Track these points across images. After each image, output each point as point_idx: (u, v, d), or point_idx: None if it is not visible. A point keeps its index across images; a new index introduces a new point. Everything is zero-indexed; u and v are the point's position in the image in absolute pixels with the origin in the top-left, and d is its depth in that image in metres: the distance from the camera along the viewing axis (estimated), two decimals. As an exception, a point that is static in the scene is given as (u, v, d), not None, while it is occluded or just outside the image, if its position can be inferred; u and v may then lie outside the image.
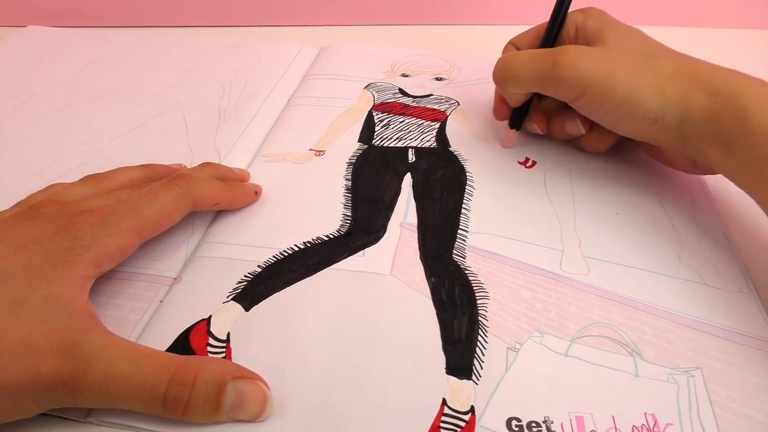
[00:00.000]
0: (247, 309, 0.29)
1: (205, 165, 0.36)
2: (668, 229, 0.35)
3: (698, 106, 0.32)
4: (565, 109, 0.38)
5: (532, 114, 0.40)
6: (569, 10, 0.38)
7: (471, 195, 0.37)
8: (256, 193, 0.36)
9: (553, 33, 0.38)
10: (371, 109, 0.46)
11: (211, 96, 0.48)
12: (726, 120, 0.31)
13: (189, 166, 0.37)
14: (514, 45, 0.41)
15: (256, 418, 0.24)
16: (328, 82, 0.50)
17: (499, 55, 0.39)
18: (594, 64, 0.33)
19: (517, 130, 0.41)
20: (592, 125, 0.38)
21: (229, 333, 0.28)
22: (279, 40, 0.58)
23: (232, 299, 0.30)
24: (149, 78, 0.51)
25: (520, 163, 0.41)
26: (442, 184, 0.38)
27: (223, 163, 0.39)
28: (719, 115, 0.31)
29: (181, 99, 0.48)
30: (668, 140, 0.34)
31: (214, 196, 0.33)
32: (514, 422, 0.25)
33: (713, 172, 0.34)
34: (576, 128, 0.39)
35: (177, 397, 0.23)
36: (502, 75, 0.37)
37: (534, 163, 0.41)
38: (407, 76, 0.51)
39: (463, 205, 0.36)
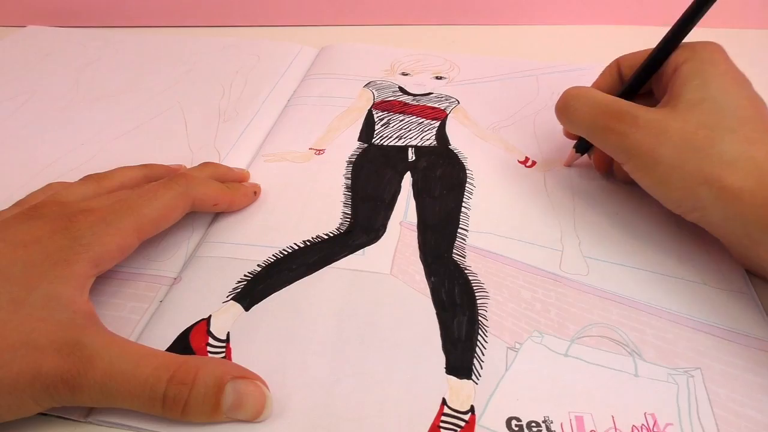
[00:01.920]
0: (246, 308, 0.29)
1: (205, 165, 0.36)
2: (668, 229, 0.35)
3: (749, 211, 0.27)
4: None
5: (594, 152, 0.38)
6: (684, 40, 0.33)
7: (471, 194, 0.37)
8: (255, 192, 0.36)
9: (642, 78, 0.34)
10: (371, 108, 0.46)
11: (211, 96, 0.48)
12: None
13: (189, 166, 0.37)
14: (618, 66, 0.37)
15: (255, 418, 0.24)
16: (328, 81, 0.50)
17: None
18: (641, 136, 0.30)
19: (580, 154, 0.39)
20: None
21: (228, 333, 0.28)
22: (279, 39, 0.58)
23: (231, 299, 0.30)
24: (149, 78, 0.51)
25: (520, 162, 0.41)
26: (442, 182, 0.38)
27: (223, 163, 0.39)
28: None
29: (181, 99, 0.48)
30: (716, 233, 0.31)
31: (214, 197, 0.33)
32: (513, 422, 0.25)
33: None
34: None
35: (176, 396, 0.23)
36: (560, 111, 0.35)
37: (534, 162, 0.41)
38: (407, 74, 0.51)
39: (463, 204, 0.36)
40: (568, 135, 0.38)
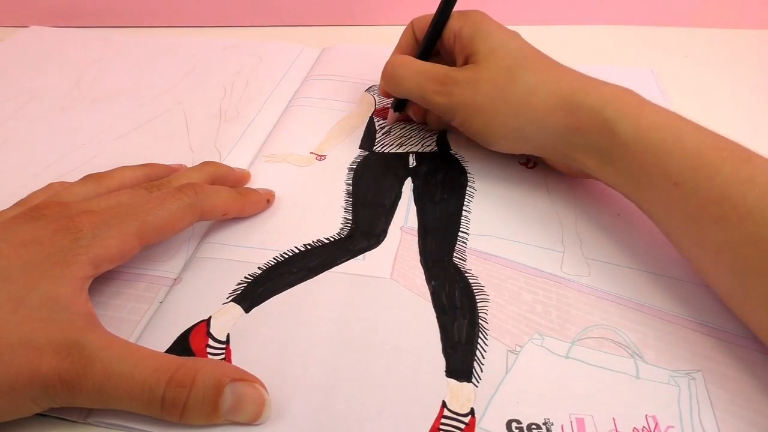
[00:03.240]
0: (247, 310, 0.29)
1: (205, 164, 0.36)
2: (670, 231, 0.35)
3: (559, 124, 0.33)
4: None
5: (411, 106, 0.42)
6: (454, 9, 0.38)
7: (472, 197, 0.37)
8: (268, 201, 0.36)
9: (430, 43, 0.39)
10: (372, 114, 0.45)
11: (213, 96, 0.48)
12: (595, 133, 0.31)
13: (190, 167, 0.37)
14: (413, 29, 0.41)
15: (253, 420, 0.24)
16: (330, 83, 0.50)
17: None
18: (462, 91, 0.35)
19: (399, 113, 0.43)
20: None
21: (228, 334, 0.28)
22: (280, 40, 0.58)
23: (232, 300, 0.30)
24: (151, 78, 0.51)
25: (521, 164, 0.41)
26: (443, 187, 0.38)
27: (224, 163, 0.39)
28: (587, 129, 0.31)
29: (182, 99, 0.48)
30: (544, 153, 0.36)
31: (224, 207, 0.32)
32: (514, 424, 0.25)
33: (597, 179, 0.34)
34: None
35: (175, 398, 0.23)
36: (388, 82, 0.39)
37: (535, 164, 0.40)
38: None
39: (464, 208, 0.36)
40: (386, 95, 0.42)
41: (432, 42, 0.39)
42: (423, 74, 0.37)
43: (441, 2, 0.37)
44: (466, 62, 0.36)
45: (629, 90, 0.32)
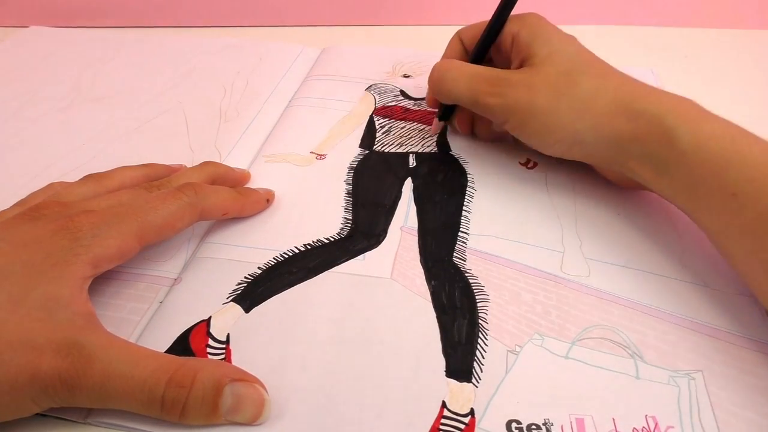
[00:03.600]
0: (247, 310, 0.29)
1: (205, 164, 0.36)
2: (670, 231, 0.35)
3: (619, 130, 0.32)
4: None
5: (458, 117, 0.42)
6: (511, 13, 0.37)
7: (472, 197, 0.37)
8: (268, 200, 0.36)
9: (486, 47, 0.38)
10: (372, 114, 0.45)
11: (213, 96, 0.48)
12: (654, 141, 0.31)
13: (190, 167, 0.37)
14: (460, 39, 0.41)
15: (253, 421, 0.24)
16: (330, 83, 0.50)
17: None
18: (517, 93, 0.34)
19: (444, 122, 0.42)
20: None
21: (228, 334, 0.28)
22: (280, 40, 0.58)
23: (232, 300, 0.30)
24: (150, 78, 0.51)
25: (521, 164, 0.41)
26: (443, 187, 0.38)
27: (224, 163, 0.39)
28: (646, 137, 0.31)
29: (182, 99, 0.48)
30: (595, 160, 0.35)
31: (223, 207, 0.32)
32: (514, 425, 0.25)
33: (650, 190, 0.34)
34: (500, 130, 0.40)
35: (175, 398, 0.23)
36: (436, 87, 0.38)
37: (535, 164, 0.40)
38: (409, 76, 0.51)
39: (464, 208, 0.36)
40: (433, 104, 0.42)
41: (487, 45, 0.38)
42: (475, 77, 0.36)
43: (499, 5, 0.37)
44: (521, 66, 0.36)
45: (690, 99, 0.32)
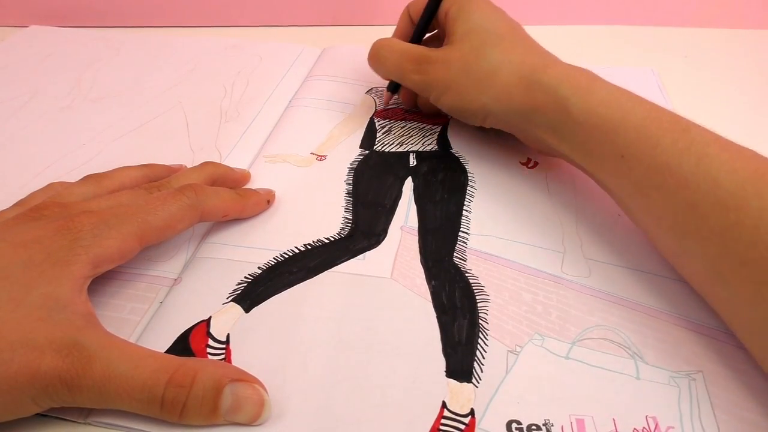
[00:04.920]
0: (247, 310, 0.29)
1: (205, 164, 0.36)
2: (670, 231, 0.35)
3: (520, 101, 0.34)
4: None
5: (401, 90, 0.44)
6: None
7: (472, 196, 0.37)
8: (269, 201, 0.36)
9: (423, 25, 0.41)
10: (372, 115, 0.45)
11: (213, 96, 0.48)
12: (551, 111, 0.33)
13: (190, 167, 0.37)
14: (408, 14, 0.43)
15: (253, 421, 0.24)
16: (330, 83, 0.50)
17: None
18: (435, 70, 0.37)
19: (391, 93, 0.45)
20: None
21: (228, 334, 0.28)
22: (281, 40, 0.58)
23: (232, 300, 0.30)
24: (151, 78, 0.51)
25: (522, 163, 0.40)
26: (443, 186, 0.38)
27: (224, 164, 0.39)
28: (543, 107, 0.33)
29: (182, 99, 0.48)
30: (508, 129, 0.38)
31: (224, 208, 0.33)
32: (514, 425, 0.25)
33: (559, 155, 0.36)
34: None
35: (174, 398, 0.23)
36: (372, 62, 0.42)
37: (536, 163, 0.40)
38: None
39: (464, 207, 0.36)
40: (384, 77, 0.44)
41: (424, 24, 0.41)
42: (402, 54, 0.40)
43: None
44: (447, 42, 0.38)
45: (584, 69, 0.34)
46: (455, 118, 0.40)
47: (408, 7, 0.43)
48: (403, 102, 0.45)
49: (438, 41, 0.43)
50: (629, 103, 0.31)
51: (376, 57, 0.41)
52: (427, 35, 0.43)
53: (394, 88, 0.44)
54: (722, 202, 0.26)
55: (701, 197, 0.27)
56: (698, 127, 0.29)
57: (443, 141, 0.42)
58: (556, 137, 0.34)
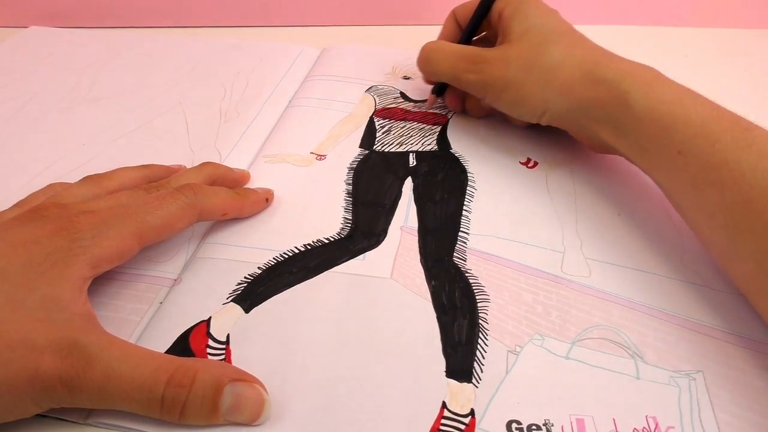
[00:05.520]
0: (247, 311, 0.29)
1: (205, 165, 0.36)
2: (670, 231, 0.35)
3: (581, 96, 0.35)
4: None
5: (448, 95, 0.45)
6: None
7: (472, 196, 0.37)
8: (267, 200, 0.36)
9: (474, 26, 0.42)
10: (372, 115, 0.45)
11: (213, 97, 0.48)
12: (612, 105, 0.34)
13: (189, 167, 0.37)
14: (455, 17, 0.44)
15: (253, 421, 0.24)
16: (330, 83, 0.50)
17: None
18: (493, 69, 0.38)
19: (436, 96, 0.45)
20: None
21: (228, 334, 0.28)
22: (281, 40, 0.58)
23: (231, 301, 0.30)
24: (151, 79, 0.51)
25: (522, 163, 0.41)
26: (443, 186, 0.38)
27: (223, 164, 0.39)
28: (605, 102, 0.34)
29: (182, 100, 0.48)
30: (565, 125, 0.38)
31: (222, 207, 0.33)
32: (514, 425, 0.25)
33: (615, 151, 0.37)
34: (488, 107, 0.42)
35: (174, 398, 0.23)
36: (423, 66, 0.42)
37: (536, 163, 0.40)
38: (409, 78, 0.51)
39: (464, 207, 0.36)
40: (428, 81, 0.45)
41: (475, 25, 0.42)
42: (455, 55, 0.40)
43: None
44: (502, 42, 0.39)
45: (647, 66, 0.34)
46: (511, 116, 0.40)
47: (454, 11, 0.44)
48: (450, 105, 0.45)
49: (485, 43, 0.44)
50: (690, 100, 0.32)
51: (428, 59, 0.41)
52: (475, 38, 0.43)
53: (439, 90, 0.44)
54: None
55: (758, 194, 0.27)
56: (760, 127, 0.30)
57: (443, 141, 0.42)
58: (615, 133, 0.34)
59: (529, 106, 0.37)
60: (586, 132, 0.37)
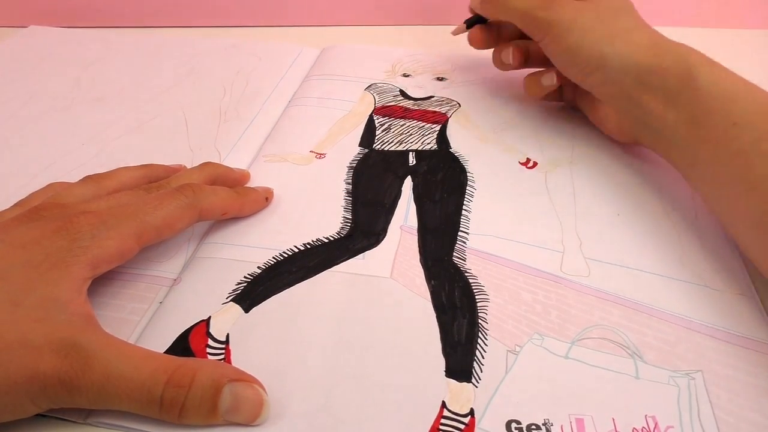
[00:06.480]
0: (246, 310, 0.29)
1: (205, 165, 0.36)
2: (670, 231, 0.35)
3: (645, 61, 0.36)
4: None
5: (513, 46, 0.44)
6: None
7: (471, 196, 0.37)
8: (267, 199, 0.36)
9: None
10: (372, 113, 0.45)
11: (212, 96, 0.48)
12: (672, 74, 0.34)
13: (189, 167, 0.37)
14: None
15: (252, 421, 0.24)
16: (329, 82, 0.50)
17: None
18: (565, 10, 0.38)
19: (468, 28, 0.46)
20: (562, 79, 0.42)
21: (228, 334, 0.28)
22: (280, 40, 0.58)
23: (231, 300, 0.30)
24: (150, 78, 0.51)
25: (522, 163, 0.41)
26: (443, 186, 0.38)
27: (223, 164, 0.39)
28: (666, 71, 0.35)
29: (182, 99, 0.48)
30: (607, 90, 0.38)
31: (222, 206, 0.33)
32: (513, 425, 0.25)
33: (638, 143, 0.38)
34: (550, 80, 0.43)
35: (173, 399, 0.23)
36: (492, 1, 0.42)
37: (535, 163, 0.40)
38: (408, 76, 0.51)
39: (464, 207, 0.36)
40: (494, 17, 0.44)
41: None
42: None
43: None
44: None
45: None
46: (558, 66, 0.40)
47: None
48: (513, 58, 0.44)
49: None
50: (753, 86, 0.33)
51: None
52: None
53: (473, 23, 0.45)
54: None
55: None
56: None
57: (443, 140, 0.42)
58: (666, 102, 0.35)
59: (585, 56, 0.38)
60: (630, 101, 0.37)
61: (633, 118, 0.38)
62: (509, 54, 0.44)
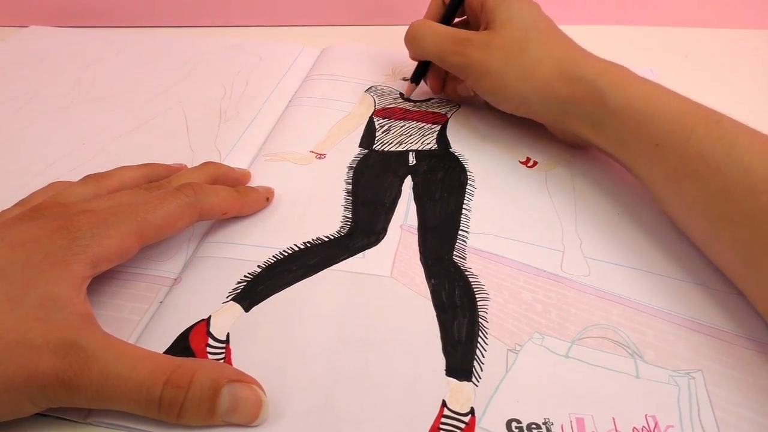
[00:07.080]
0: (246, 309, 0.29)
1: (205, 164, 0.36)
2: (669, 230, 0.35)
3: (559, 93, 0.36)
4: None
5: (430, 75, 0.45)
6: None
7: (471, 195, 0.37)
8: (268, 198, 0.36)
9: (454, 8, 0.43)
10: (372, 114, 0.45)
11: (213, 96, 0.48)
12: (588, 102, 0.35)
13: (190, 166, 0.37)
14: None
15: (251, 422, 0.24)
16: (330, 83, 0.50)
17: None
18: (476, 53, 0.39)
19: (415, 84, 0.46)
20: None
21: (228, 333, 0.28)
22: (280, 40, 0.58)
23: (231, 299, 0.30)
24: (151, 78, 0.51)
25: (522, 162, 0.41)
26: (443, 185, 0.38)
27: (224, 163, 0.39)
28: (582, 99, 0.35)
29: (182, 99, 0.48)
30: (541, 119, 0.40)
31: (223, 206, 0.33)
32: (514, 424, 0.25)
33: (593, 146, 0.38)
34: (466, 92, 0.44)
35: (172, 399, 0.23)
36: (409, 44, 0.43)
37: (535, 162, 0.40)
38: (408, 79, 0.51)
39: (464, 206, 0.36)
40: (415, 59, 0.45)
41: (455, 6, 0.43)
42: (442, 35, 0.41)
43: None
44: (486, 28, 0.40)
45: (621, 65, 0.36)
46: (488, 101, 0.41)
47: None
48: (431, 87, 0.46)
49: (468, 26, 0.44)
50: (664, 96, 0.33)
51: (415, 37, 0.42)
52: (457, 20, 0.45)
53: (417, 77, 0.45)
54: (753, 187, 0.28)
55: (733, 183, 0.28)
56: (730, 119, 0.31)
57: (443, 140, 0.42)
58: (593, 129, 0.35)
59: (507, 96, 0.39)
60: (563, 126, 0.38)
61: (570, 138, 0.39)
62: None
